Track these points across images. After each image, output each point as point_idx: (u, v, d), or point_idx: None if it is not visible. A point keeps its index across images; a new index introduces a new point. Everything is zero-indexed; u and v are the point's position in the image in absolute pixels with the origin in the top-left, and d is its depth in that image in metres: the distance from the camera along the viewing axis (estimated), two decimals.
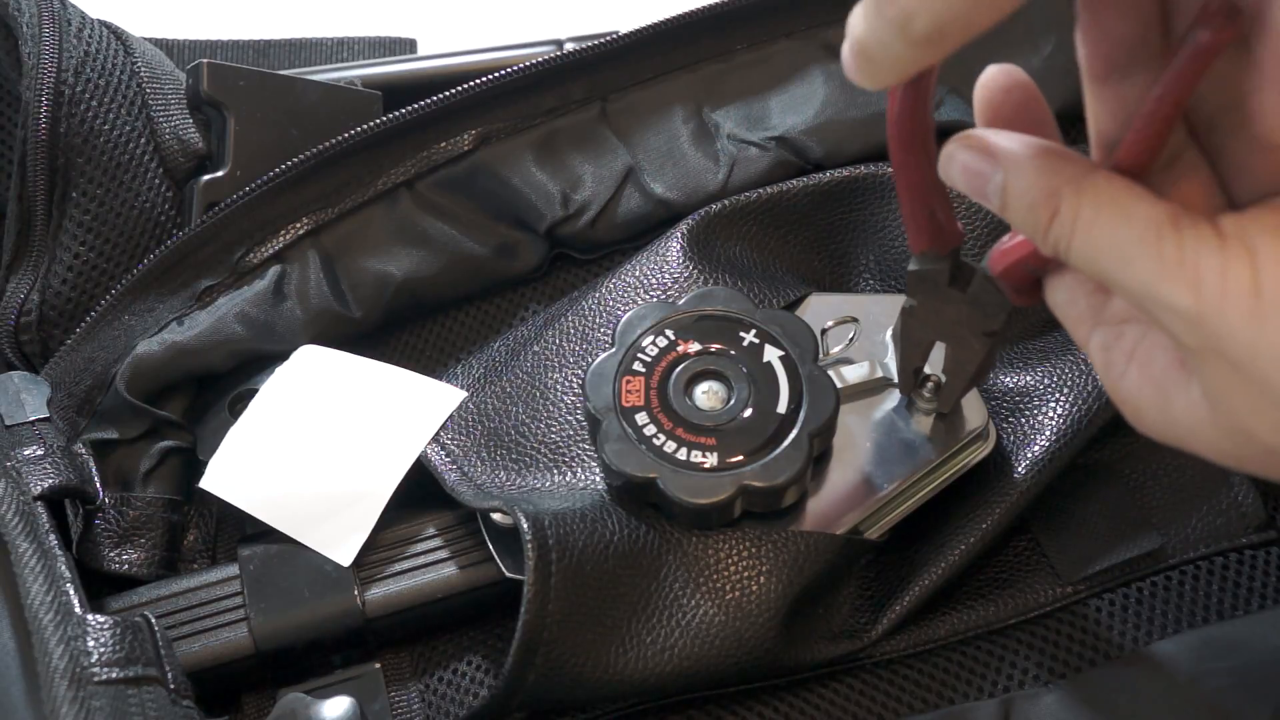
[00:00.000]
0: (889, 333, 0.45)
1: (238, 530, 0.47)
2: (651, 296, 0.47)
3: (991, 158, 0.33)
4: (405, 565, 0.44)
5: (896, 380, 0.44)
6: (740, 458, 0.41)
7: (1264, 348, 0.29)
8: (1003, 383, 0.46)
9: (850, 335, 0.46)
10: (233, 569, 0.44)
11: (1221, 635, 0.43)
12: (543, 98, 0.52)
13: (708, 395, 0.42)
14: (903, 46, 0.28)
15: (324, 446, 0.46)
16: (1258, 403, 0.30)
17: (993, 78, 0.35)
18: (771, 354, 0.43)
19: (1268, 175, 0.31)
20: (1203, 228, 0.30)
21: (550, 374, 0.46)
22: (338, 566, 0.44)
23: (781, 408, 0.42)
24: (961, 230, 0.38)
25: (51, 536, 0.39)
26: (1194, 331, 0.30)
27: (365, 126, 0.50)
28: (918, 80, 0.33)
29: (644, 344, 0.43)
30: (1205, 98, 0.32)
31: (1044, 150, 0.32)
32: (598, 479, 0.43)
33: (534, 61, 0.51)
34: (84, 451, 0.46)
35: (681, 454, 0.41)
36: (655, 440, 0.41)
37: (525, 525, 0.40)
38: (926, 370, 0.43)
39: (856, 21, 0.29)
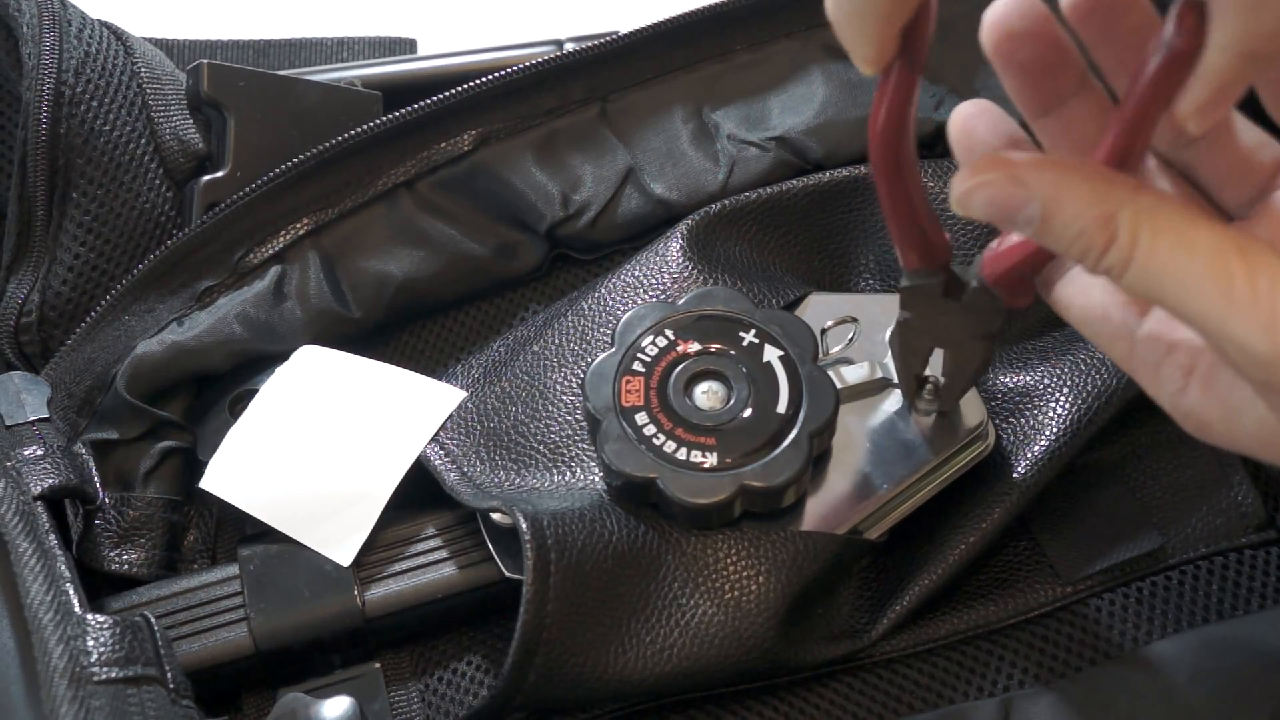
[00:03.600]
0: (888, 333, 0.45)
1: (238, 530, 0.47)
2: (651, 296, 0.47)
3: (1023, 186, 0.30)
4: (405, 565, 0.44)
5: (899, 386, 0.43)
6: (740, 458, 0.41)
7: None
8: (1003, 383, 0.46)
9: (850, 335, 0.46)
10: (233, 569, 0.44)
11: (1221, 635, 0.43)
12: (543, 98, 0.52)
13: (707, 395, 0.42)
14: None
15: (324, 447, 0.46)
16: None
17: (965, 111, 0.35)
18: (771, 354, 0.43)
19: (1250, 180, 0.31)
20: (1271, 260, 0.28)
21: (550, 374, 0.46)
22: (338, 566, 0.44)
23: (781, 408, 0.42)
24: (950, 242, 0.37)
25: (51, 536, 0.39)
26: (1268, 371, 0.28)
27: (365, 126, 0.50)
28: (902, 84, 0.32)
29: (644, 344, 0.43)
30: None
31: (1088, 170, 0.30)
32: (597, 479, 0.43)
33: (534, 61, 0.51)
34: (84, 451, 0.46)
35: (681, 454, 0.41)
36: (655, 440, 0.41)
37: (524, 525, 0.40)
38: (926, 372, 0.43)
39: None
